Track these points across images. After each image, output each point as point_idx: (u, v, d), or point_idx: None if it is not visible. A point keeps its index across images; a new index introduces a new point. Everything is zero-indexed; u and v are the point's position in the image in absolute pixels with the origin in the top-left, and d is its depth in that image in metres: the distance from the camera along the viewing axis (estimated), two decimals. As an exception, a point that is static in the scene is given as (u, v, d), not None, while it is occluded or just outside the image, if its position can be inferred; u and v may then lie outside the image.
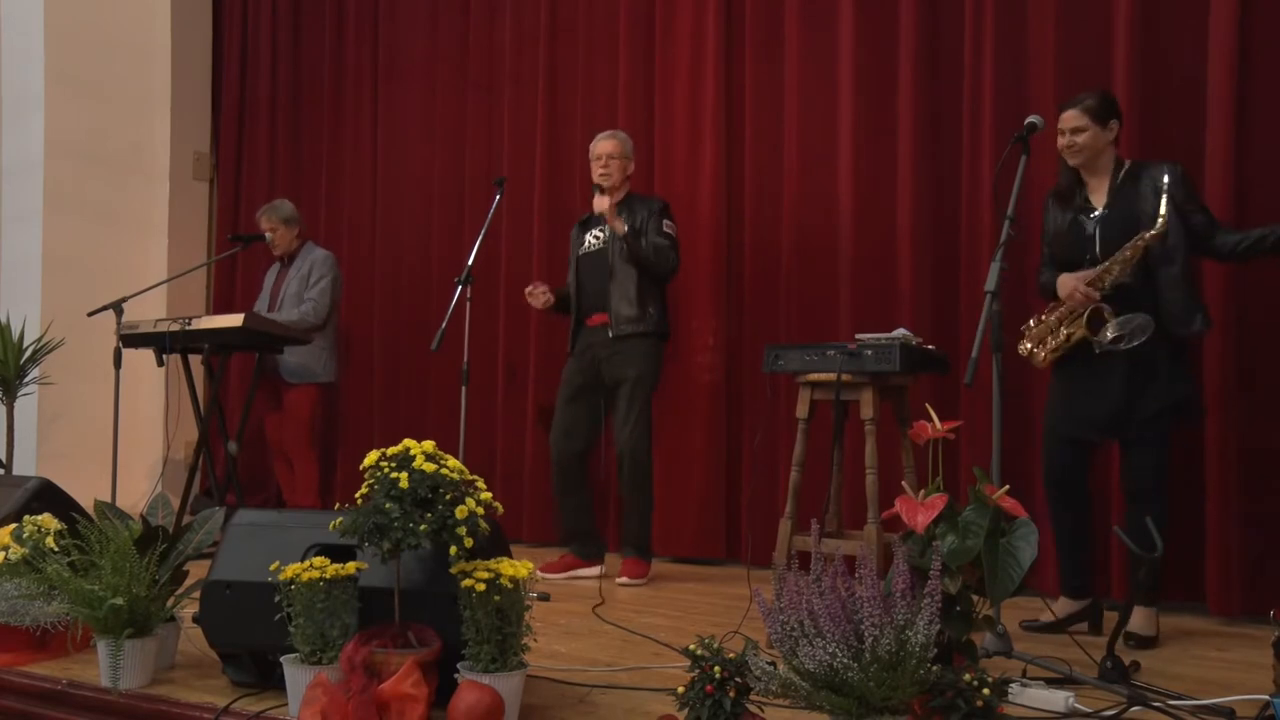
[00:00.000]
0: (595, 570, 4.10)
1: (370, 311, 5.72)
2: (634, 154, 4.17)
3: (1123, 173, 3.12)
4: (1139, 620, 2.97)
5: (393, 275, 5.67)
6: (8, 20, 5.89)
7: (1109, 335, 2.96)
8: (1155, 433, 3.01)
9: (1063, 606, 3.15)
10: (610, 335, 3.99)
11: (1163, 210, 2.96)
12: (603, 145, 4.08)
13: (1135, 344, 2.93)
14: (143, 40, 6.10)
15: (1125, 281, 3.00)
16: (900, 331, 3.46)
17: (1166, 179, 2.99)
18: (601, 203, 3.95)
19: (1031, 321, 3.22)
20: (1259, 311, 3.38)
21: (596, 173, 4.05)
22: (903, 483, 2.38)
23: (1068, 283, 3.05)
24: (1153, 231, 2.96)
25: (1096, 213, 3.12)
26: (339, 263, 5.27)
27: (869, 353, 3.32)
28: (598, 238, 4.08)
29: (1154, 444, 3.01)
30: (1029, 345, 3.21)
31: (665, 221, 4.01)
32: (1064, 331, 3.10)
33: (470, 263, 4.18)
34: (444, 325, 4.09)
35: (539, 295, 4.14)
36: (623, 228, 3.93)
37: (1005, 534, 2.11)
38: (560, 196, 5.01)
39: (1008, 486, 2.19)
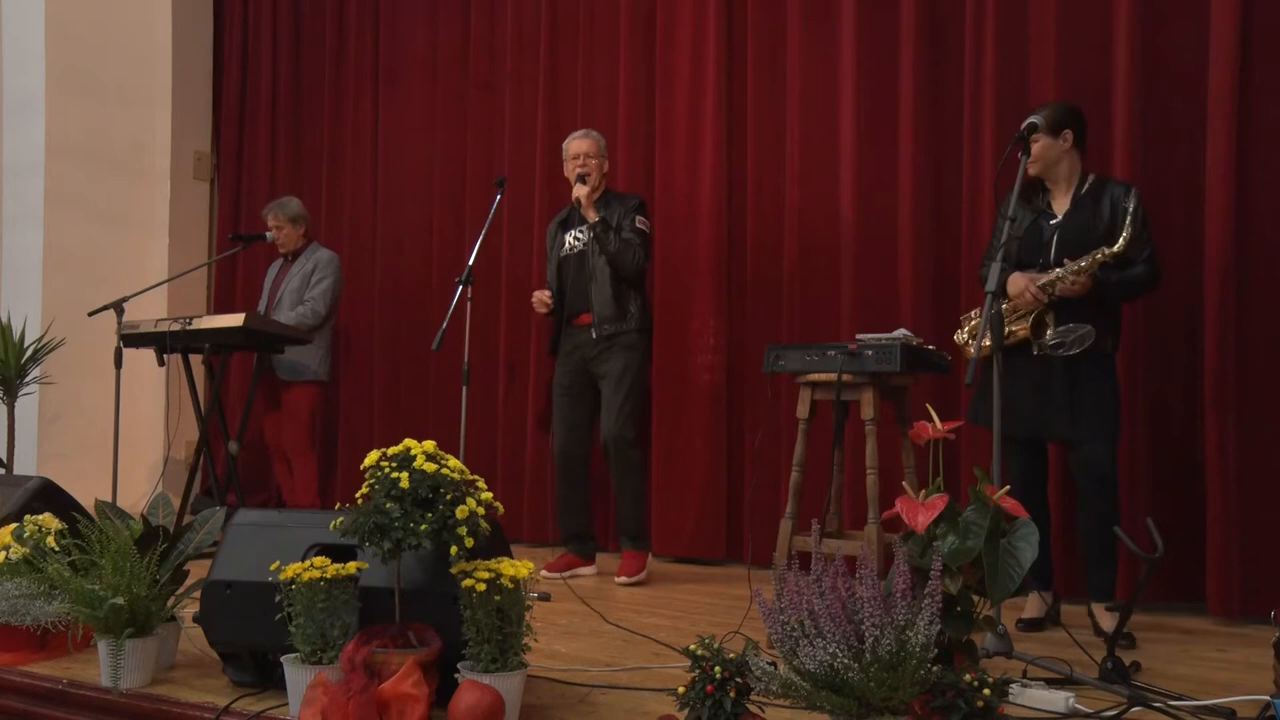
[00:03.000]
0: (592, 569, 4.13)
1: (371, 311, 5.72)
2: (609, 153, 4.23)
3: (1087, 185, 3.18)
4: (1033, 602, 3.12)
5: (393, 275, 5.68)
6: (8, 20, 5.90)
7: (1051, 340, 3.06)
8: (1091, 433, 3.07)
9: (1034, 603, 3.19)
10: (594, 336, 4.03)
11: (1126, 229, 3.01)
12: (579, 144, 4.14)
13: (1073, 352, 3.04)
14: (144, 40, 6.10)
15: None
16: (901, 332, 3.46)
17: (1133, 203, 3.05)
18: (580, 190, 4.02)
19: (974, 312, 3.31)
20: (1259, 311, 3.38)
21: (574, 171, 4.10)
22: (903, 483, 2.38)
23: (1019, 282, 3.11)
24: (1113, 249, 3.01)
25: (1056, 219, 3.18)
26: (342, 264, 5.26)
27: (869, 353, 3.32)
28: (578, 239, 4.12)
29: (1091, 443, 3.08)
30: (965, 336, 3.33)
31: (639, 218, 4.08)
32: (1005, 329, 3.15)
33: (471, 262, 4.18)
34: (445, 325, 4.09)
35: (546, 302, 4.19)
36: (595, 215, 3.99)
37: (1005, 534, 2.11)
38: (561, 196, 4.99)
39: (1008, 487, 2.19)
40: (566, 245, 4.17)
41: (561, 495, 4.16)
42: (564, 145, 4.21)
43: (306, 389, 5.04)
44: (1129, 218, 3.02)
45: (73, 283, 5.59)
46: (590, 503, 4.21)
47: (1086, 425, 3.08)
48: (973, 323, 3.32)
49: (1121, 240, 3.01)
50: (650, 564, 4.09)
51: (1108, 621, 3.04)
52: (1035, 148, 3.15)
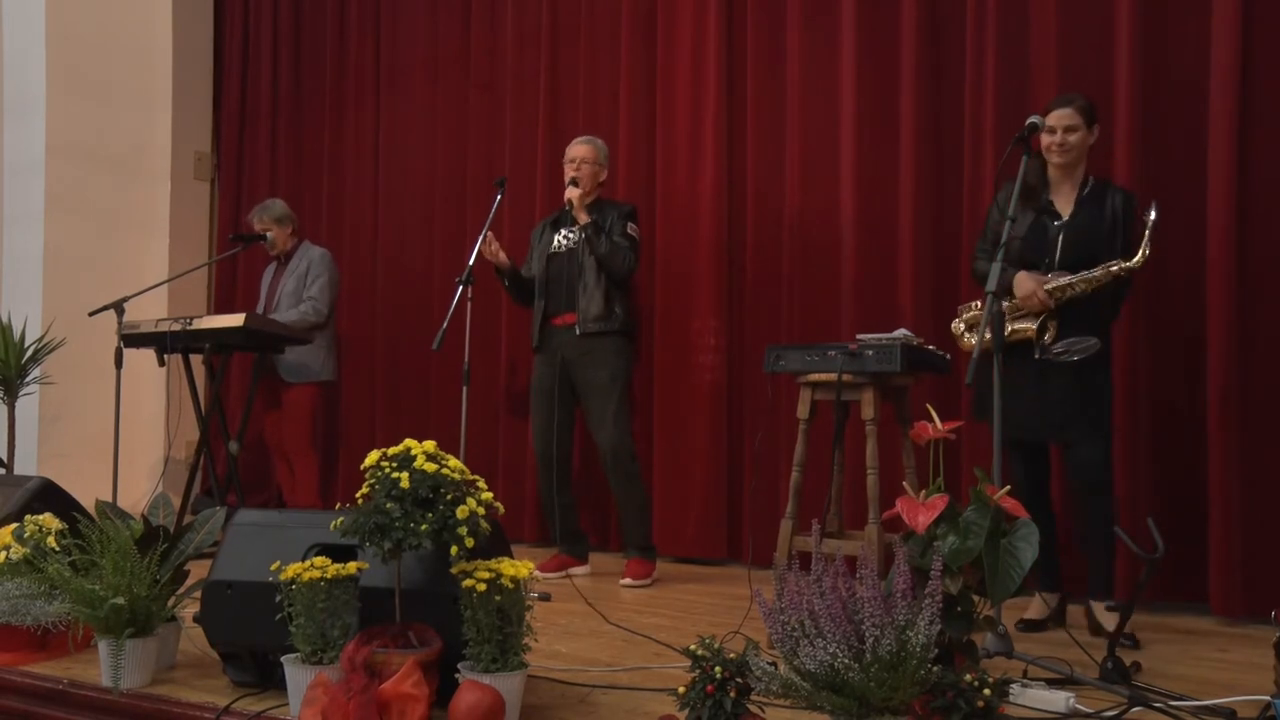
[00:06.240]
0: (585, 569, 4.13)
1: (371, 311, 5.72)
2: (609, 161, 4.22)
3: (1088, 187, 3.18)
4: (1035, 604, 3.10)
5: (394, 275, 5.67)
6: (9, 20, 5.90)
7: (1057, 349, 3.07)
8: (1086, 434, 3.08)
9: (1037, 605, 3.19)
10: (578, 334, 4.01)
11: (1146, 246, 3.00)
12: (576, 149, 4.14)
13: (1074, 359, 3.06)
14: (144, 40, 6.11)
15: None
16: (901, 332, 3.46)
17: (1153, 216, 3.02)
18: (573, 192, 4.02)
19: (975, 304, 3.31)
20: (1261, 311, 3.37)
21: (568, 175, 4.12)
22: (904, 483, 2.38)
23: (1027, 284, 3.10)
24: (1129, 263, 3.02)
25: (1061, 219, 3.17)
26: (336, 260, 5.27)
27: (870, 353, 3.32)
28: (568, 238, 4.11)
29: (1092, 441, 3.08)
30: (962, 327, 3.33)
31: (629, 225, 4.07)
32: (1009, 327, 3.14)
33: (471, 262, 4.17)
34: (445, 325, 4.09)
35: (497, 251, 4.10)
36: (586, 218, 4.00)
37: (1006, 534, 2.11)
38: (561, 196, 4.99)
39: (1008, 487, 2.19)
40: (555, 243, 4.15)
41: (547, 498, 4.15)
42: (566, 149, 4.19)
43: (308, 389, 5.04)
44: (1148, 233, 3.01)
45: (73, 283, 5.59)
46: (577, 502, 4.22)
47: (1081, 427, 3.08)
48: (970, 314, 3.32)
49: (1140, 256, 3.00)
50: (657, 567, 4.07)
51: (1108, 620, 3.03)
52: (1075, 137, 3.13)
